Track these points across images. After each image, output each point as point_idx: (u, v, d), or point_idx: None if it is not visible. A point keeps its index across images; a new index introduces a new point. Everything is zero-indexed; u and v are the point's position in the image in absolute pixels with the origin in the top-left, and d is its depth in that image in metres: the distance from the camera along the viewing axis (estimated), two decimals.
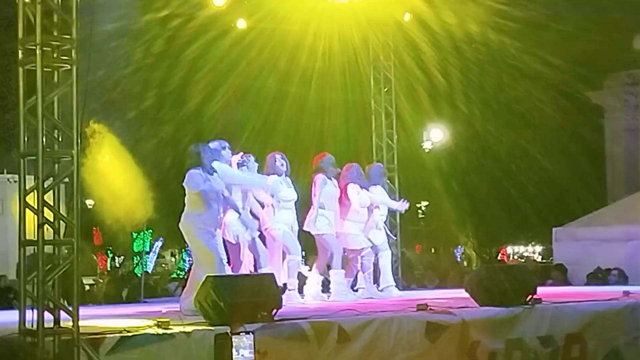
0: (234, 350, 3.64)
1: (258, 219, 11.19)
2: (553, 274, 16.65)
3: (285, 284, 11.01)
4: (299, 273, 11.58)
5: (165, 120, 22.40)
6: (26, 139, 7.40)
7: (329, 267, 11.99)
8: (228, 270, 9.89)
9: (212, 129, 20.61)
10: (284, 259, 11.35)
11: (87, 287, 16.79)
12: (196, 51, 18.95)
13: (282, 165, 11.44)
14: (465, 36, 17.83)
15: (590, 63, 21.83)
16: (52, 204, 7.40)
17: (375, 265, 12.40)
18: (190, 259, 34.01)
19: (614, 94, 23.75)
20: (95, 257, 31.40)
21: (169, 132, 22.37)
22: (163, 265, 35.18)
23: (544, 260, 33.56)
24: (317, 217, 11.69)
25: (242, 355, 3.71)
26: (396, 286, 12.72)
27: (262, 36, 16.83)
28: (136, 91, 20.78)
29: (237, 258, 10.73)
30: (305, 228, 11.77)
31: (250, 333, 3.62)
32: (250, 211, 11.09)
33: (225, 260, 9.82)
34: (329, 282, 11.94)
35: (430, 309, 9.17)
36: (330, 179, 11.84)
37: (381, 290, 12.36)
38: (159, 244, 31.63)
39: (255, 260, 10.88)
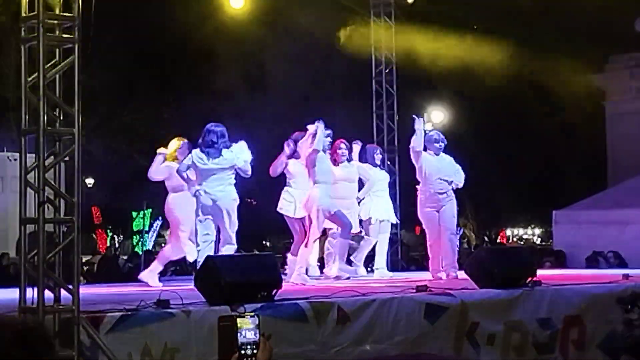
0: (238, 331, 3.60)
1: None
2: (552, 258, 16.63)
3: None
4: None
5: None
6: (27, 116, 7.39)
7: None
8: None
9: None
10: None
11: (87, 266, 16.83)
12: None
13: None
14: (465, 18, 17.80)
15: (593, 45, 21.80)
16: (52, 182, 7.40)
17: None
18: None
19: (616, 77, 23.68)
20: (94, 236, 31.48)
21: None
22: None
23: (542, 243, 33.63)
24: (282, 196, 11.60)
25: (246, 337, 3.67)
26: (395, 268, 12.72)
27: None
28: None
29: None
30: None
31: (255, 315, 3.58)
32: None
33: None
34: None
35: (430, 290, 9.18)
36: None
37: (372, 271, 12.40)
38: (158, 223, 31.67)
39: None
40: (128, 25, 23.48)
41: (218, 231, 10.40)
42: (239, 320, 3.69)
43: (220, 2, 15.63)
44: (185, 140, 11.14)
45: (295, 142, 11.53)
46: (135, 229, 31.25)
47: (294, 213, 11.40)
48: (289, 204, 11.48)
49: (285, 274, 11.17)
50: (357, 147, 12.50)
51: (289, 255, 11.66)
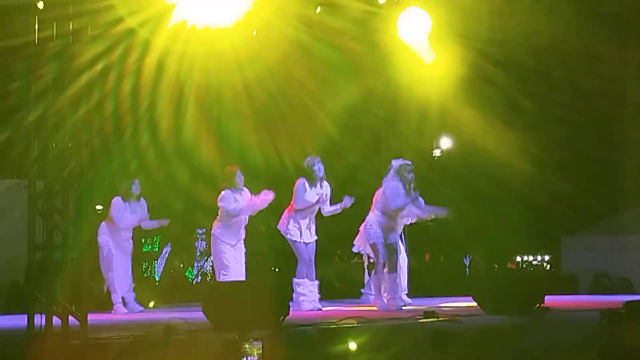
0: (242, 357, 3.64)
1: None
2: (564, 284, 16.58)
3: None
4: None
5: None
6: (36, 144, 7.44)
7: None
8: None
9: None
10: None
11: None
12: None
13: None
14: (474, 43, 17.86)
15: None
16: (61, 209, 7.44)
17: None
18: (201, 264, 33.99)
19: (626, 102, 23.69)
20: None
21: None
22: (172, 271, 35.16)
23: (552, 269, 33.54)
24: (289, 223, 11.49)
25: None
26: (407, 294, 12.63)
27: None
28: None
29: None
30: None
31: (259, 340, 3.61)
32: None
33: None
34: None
35: (438, 316, 9.18)
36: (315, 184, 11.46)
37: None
38: (167, 249, 31.60)
39: None
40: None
41: None
42: (243, 345, 3.73)
43: (229, 33, 15.67)
44: None
45: None
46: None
47: (300, 238, 11.41)
48: (295, 229, 11.44)
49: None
50: None
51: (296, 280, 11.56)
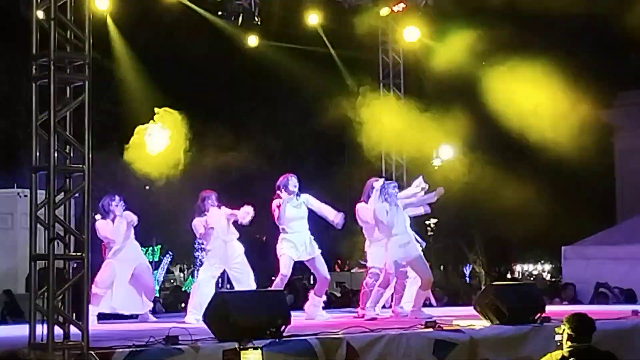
0: None
1: None
2: (562, 293, 16.60)
3: None
4: None
5: None
6: (38, 153, 7.45)
7: None
8: None
9: None
10: None
11: None
12: None
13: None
14: (473, 54, 17.92)
15: (602, 81, 21.88)
16: (63, 218, 7.45)
17: None
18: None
19: (624, 113, 23.74)
20: None
21: None
22: (172, 280, 35.20)
23: (553, 279, 33.54)
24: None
25: None
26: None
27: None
28: None
29: None
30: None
31: (259, 348, 3.61)
32: None
33: None
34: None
35: (439, 326, 9.17)
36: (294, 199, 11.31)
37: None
38: (168, 258, 31.62)
39: None
40: (138, 59, 23.63)
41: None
42: (242, 353, 3.73)
43: (236, 40, 15.82)
44: None
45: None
46: None
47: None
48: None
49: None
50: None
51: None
